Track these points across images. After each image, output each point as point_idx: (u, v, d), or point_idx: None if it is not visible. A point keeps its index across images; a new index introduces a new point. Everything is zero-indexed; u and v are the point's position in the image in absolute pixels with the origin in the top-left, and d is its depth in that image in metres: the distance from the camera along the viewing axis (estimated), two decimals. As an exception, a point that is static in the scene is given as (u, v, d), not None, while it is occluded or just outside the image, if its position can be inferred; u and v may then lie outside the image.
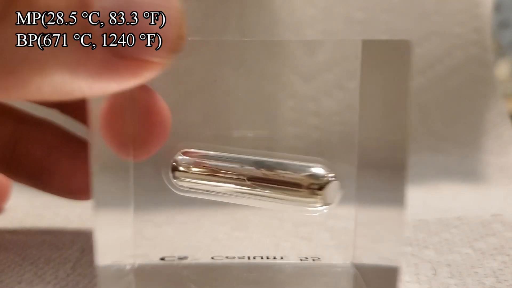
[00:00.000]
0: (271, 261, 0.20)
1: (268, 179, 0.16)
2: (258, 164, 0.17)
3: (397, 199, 0.16)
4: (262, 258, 0.20)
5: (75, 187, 0.22)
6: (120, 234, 0.19)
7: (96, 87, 0.13)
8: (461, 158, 0.36)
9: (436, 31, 0.37)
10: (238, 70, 0.20)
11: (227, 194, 0.17)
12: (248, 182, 0.17)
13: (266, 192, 0.17)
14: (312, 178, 0.16)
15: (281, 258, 0.21)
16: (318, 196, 0.16)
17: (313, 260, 0.21)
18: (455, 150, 0.36)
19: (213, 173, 0.17)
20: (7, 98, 0.14)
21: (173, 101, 0.19)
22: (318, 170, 0.16)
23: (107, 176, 0.17)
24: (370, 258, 0.19)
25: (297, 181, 0.16)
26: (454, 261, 0.21)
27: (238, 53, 0.20)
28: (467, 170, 0.35)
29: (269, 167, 0.16)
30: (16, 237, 0.24)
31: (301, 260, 0.21)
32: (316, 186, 0.16)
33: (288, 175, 0.16)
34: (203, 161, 0.17)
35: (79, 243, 0.23)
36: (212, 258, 0.20)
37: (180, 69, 0.16)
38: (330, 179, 0.16)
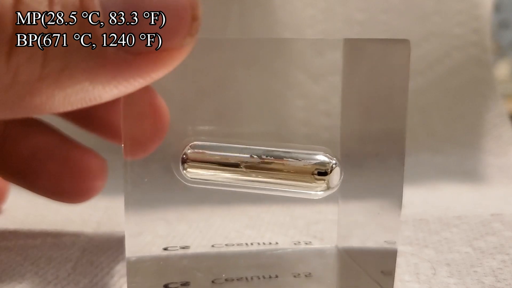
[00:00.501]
0: (267, 246, 0.22)
1: (276, 167, 0.17)
2: (266, 154, 0.17)
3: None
4: (259, 244, 0.21)
5: (61, 189, 0.22)
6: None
7: (121, 87, 0.13)
8: (461, 158, 0.36)
9: (436, 32, 0.37)
10: (249, 69, 0.20)
11: (235, 183, 0.18)
12: (257, 171, 0.17)
13: (274, 179, 0.18)
14: (317, 165, 0.17)
15: (276, 243, 0.22)
16: (323, 181, 0.17)
17: (306, 244, 0.22)
18: (455, 150, 0.36)
19: (221, 163, 0.18)
20: (34, 114, 0.14)
21: (183, 100, 0.20)
22: (323, 157, 0.17)
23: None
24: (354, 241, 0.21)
25: (304, 168, 0.17)
26: (453, 260, 0.21)
27: (248, 52, 0.20)
28: (467, 170, 0.35)
29: (277, 156, 0.17)
30: (17, 237, 0.24)
31: (294, 244, 0.22)
32: (321, 172, 0.17)
33: (295, 163, 0.17)
34: (212, 152, 0.18)
35: (80, 242, 0.23)
36: (213, 246, 0.21)
37: (190, 68, 0.16)
38: (333, 165, 0.17)
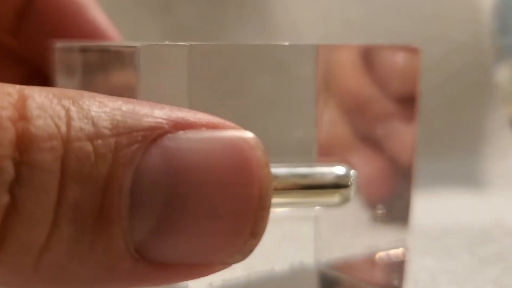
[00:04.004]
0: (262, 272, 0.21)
1: (293, 184, 0.16)
2: (283, 171, 0.16)
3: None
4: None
5: None
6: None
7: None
8: (461, 163, 0.36)
9: (435, 35, 0.37)
10: (272, 75, 0.19)
11: None
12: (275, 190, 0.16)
13: (291, 198, 0.16)
14: (338, 178, 0.16)
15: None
16: (344, 195, 0.16)
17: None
18: (455, 156, 0.36)
19: None
20: None
21: (206, 106, 0.19)
22: (341, 169, 0.16)
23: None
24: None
25: (324, 182, 0.16)
26: (453, 268, 0.21)
27: (271, 57, 0.20)
28: (467, 176, 0.35)
29: (294, 173, 0.16)
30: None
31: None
32: (341, 185, 0.16)
33: (315, 178, 0.16)
34: None
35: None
36: (210, 284, 0.20)
37: (212, 73, 0.16)
38: (353, 177, 0.16)
